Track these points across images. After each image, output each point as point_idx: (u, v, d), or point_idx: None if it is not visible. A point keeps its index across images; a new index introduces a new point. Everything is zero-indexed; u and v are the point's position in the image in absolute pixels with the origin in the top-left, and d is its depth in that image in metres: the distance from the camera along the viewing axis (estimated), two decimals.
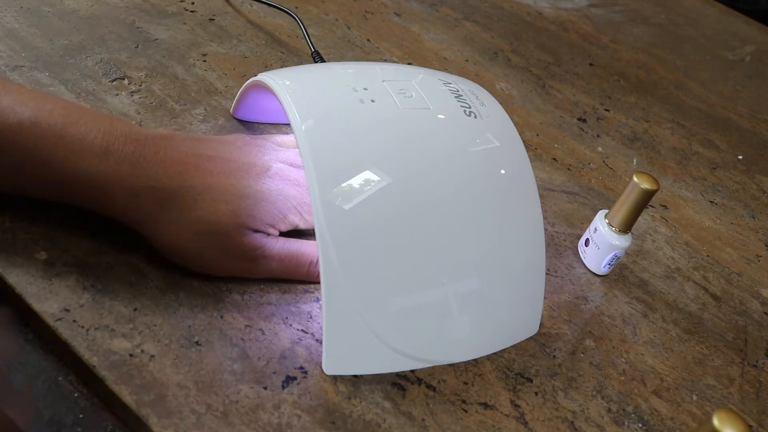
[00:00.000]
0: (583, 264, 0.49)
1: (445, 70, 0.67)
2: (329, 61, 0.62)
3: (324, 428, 0.35)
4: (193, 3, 0.64)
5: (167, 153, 0.38)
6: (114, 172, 0.36)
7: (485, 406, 0.38)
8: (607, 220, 0.47)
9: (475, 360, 0.40)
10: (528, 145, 0.60)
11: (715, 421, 0.31)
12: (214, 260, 0.38)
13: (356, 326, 0.36)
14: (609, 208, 0.47)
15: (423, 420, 0.36)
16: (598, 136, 0.64)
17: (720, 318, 0.48)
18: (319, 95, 0.40)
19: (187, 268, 0.39)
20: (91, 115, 0.37)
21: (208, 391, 0.35)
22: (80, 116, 0.37)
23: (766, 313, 0.50)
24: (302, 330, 0.39)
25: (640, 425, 0.39)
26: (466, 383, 0.39)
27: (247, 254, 0.38)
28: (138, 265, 0.39)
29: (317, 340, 0.38)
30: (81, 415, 0.34)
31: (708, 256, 0.54)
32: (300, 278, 0.41)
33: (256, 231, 0.39)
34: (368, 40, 0.67)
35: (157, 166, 0.37)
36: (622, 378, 0.42)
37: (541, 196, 0.53)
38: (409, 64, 0.66)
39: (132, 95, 0.50)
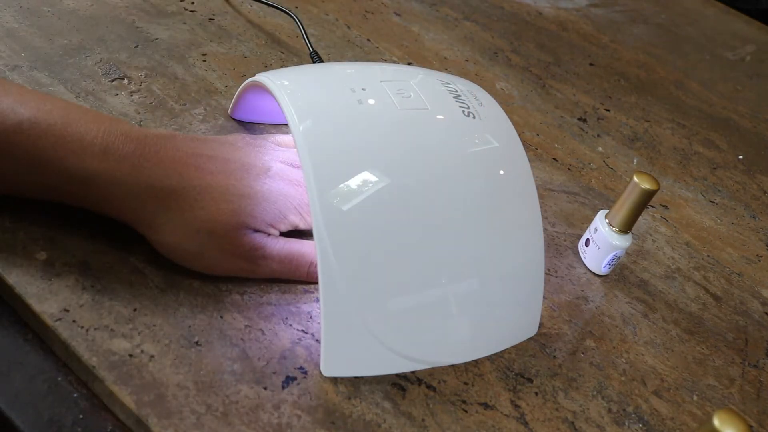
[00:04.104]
0: (584, 264, 0.49)
1: (445, 70, 0.67)
2: (329, 60, 0.62)
3: (324, 428, 0.35)
4: (192, 3, 0.64)
5: (167, 152, 0.38)
6: (114, 171, 0.36)
7: (485, 406, 0.38)
8: (607, 220, 0.47)
9: (475, 360, 0.40)
10: (528, 145, 0.60)
11: (716, 422, 0.31)
12: (213, 260, 0.38)
13: (355, 328, 0.36)
14: (609, 208, 0.47)
15: (423, 420, 0.36)
16: (598, 136, 0.64)
17: (720, 318, 0.48)
18: (317, 96, 0.40)
19: (187, 267, 0.39)
20: (90, 115, 0.37)
21: (208, 391, 0.35)
22: (80, 116, 0.37)
23: (766, 313, 0.50)
24: (302, 330, 0.39)
25: (640, 425, 0.39)
26: (466, 383, 0.39)
27: (247, 254, 0.38)
28: (138, 265, 0.39)
29: (317, 340, 0.38)
30: (81, 416, 0.34)
31: (708, 256, 0.54)
32: (300, 279, 0.41)
33: (257, 231, 0.39)
34: (368, 39, 0.67)
35: (158, 166, 0.37)
36: (623, 378, 0.42)
37: (542, 196, 0.53)
38: (409, 64, 0.66)
39: (132, 95, 0.50)
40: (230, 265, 0.39)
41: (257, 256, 0.39)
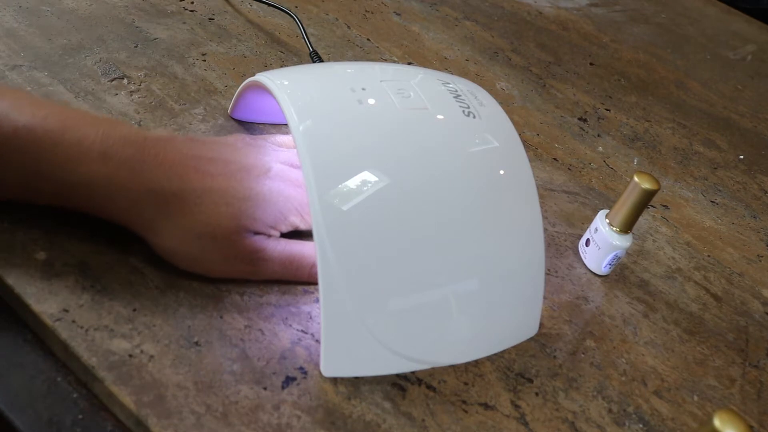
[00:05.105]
0: (584, 264, 0.49)
1: (446, 69, 0.66)
2: (329, 60, 0.62)
3: (324, 429, 0.35)
4: (192, 2, 0.63)
5: (167, 155, 0.37)
6: (113, 176, 0.36)
7: (485, 406, 0.38)
8: (607, 220, 0.47)
9: (476, 360, 0.40)
10: (528, 145, 0.59)
11: (716, 422, 0.31)
12: (215, 263, 0.38)
13: (355, 328, 0.36)
14: (609, 208, 0.47)
15: (423, 420, 0.36)
16: (598, 135, 0.64)
17: (721, 318, 0.48)
18: (317, 96, 0.40)
19: (188, 270, 0.39)
20: (88, 118, 0.37)
21: (207, 391, 0.34)
22: (77, 120, 0.36)
23: (767, 313, 0.50)
24: (302, 330, 0.39)
25: (640, 426, 0.39)
26: (466, 384, 0.39)
27: (248, 257, 0.38)
28: (137, 266, 0.39)
29: (317, 340, 0.38)
30: (80, 416, 0.34)
31: (709, 256, 0.53)
32: (301, 281, 0.41)
33: (257, 233, 0.38)
34: (368, 39, 0.67)
35: (157, 169, 0.37)
36: (623, 378, 0.42)
37: (542, 196, 0.53)
38: (409, 63, 0.66)
39: (131, 95, 0.50)
40: (231, 268, 0.39)
41: (258, 258, 0.38)
